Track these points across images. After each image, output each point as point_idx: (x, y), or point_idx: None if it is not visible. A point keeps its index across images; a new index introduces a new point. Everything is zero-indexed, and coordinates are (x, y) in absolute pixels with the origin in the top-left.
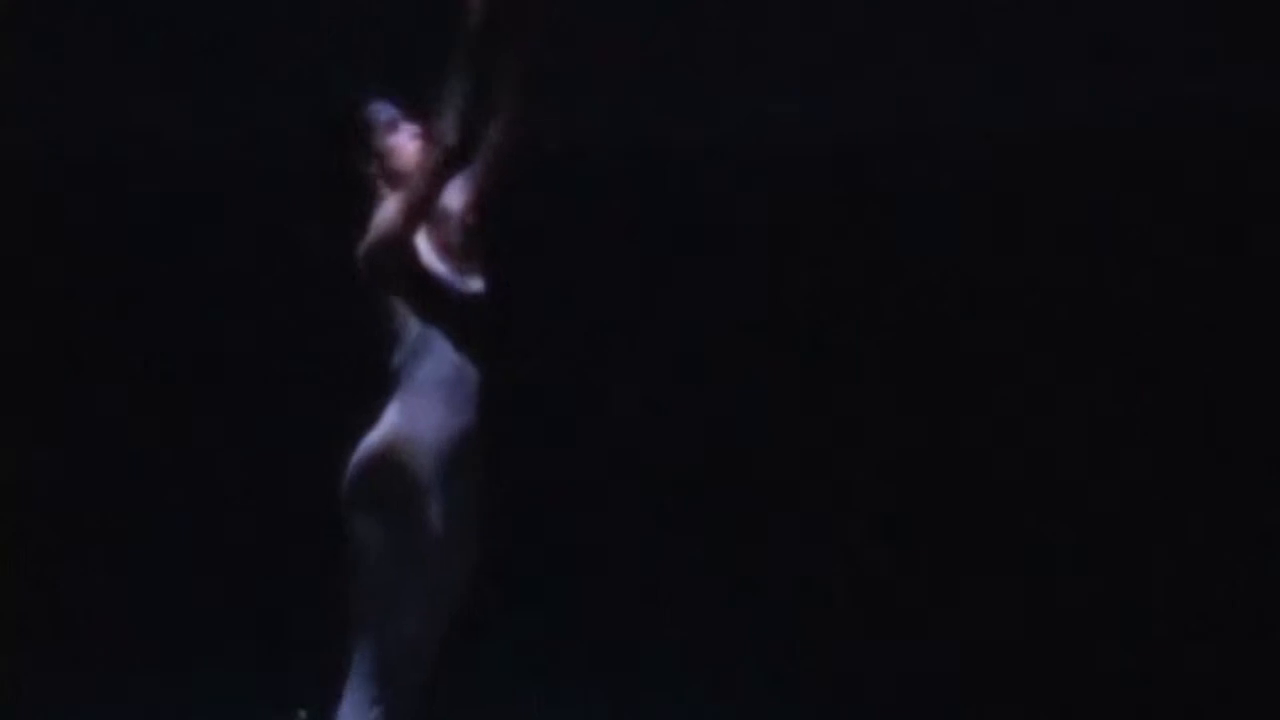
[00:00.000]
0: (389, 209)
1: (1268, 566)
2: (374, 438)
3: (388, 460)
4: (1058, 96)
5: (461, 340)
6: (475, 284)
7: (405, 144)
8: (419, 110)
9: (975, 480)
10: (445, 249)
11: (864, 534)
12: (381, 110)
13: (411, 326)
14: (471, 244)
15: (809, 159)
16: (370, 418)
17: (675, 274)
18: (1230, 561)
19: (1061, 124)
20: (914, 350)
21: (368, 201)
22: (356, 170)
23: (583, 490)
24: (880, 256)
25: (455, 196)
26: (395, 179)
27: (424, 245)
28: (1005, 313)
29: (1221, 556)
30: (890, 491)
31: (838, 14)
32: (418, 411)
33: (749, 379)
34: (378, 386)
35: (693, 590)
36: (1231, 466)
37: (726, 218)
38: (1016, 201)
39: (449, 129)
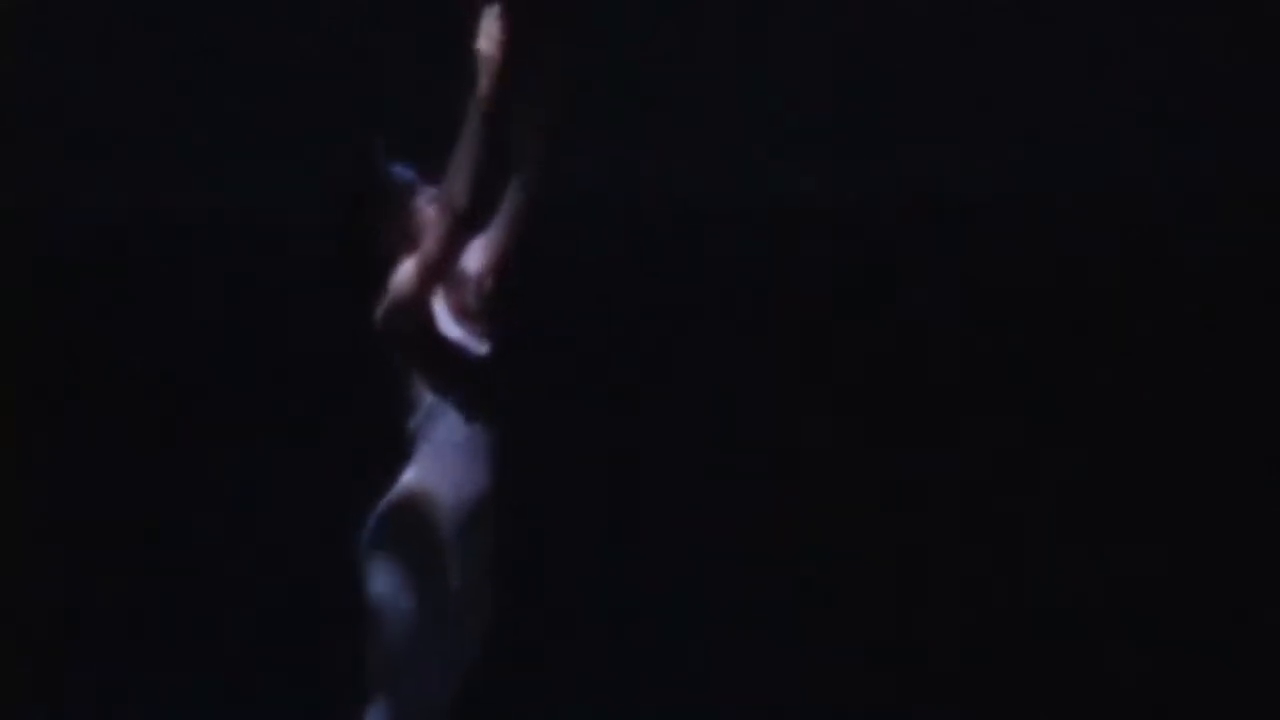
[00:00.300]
0: (403, 273)
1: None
2: (392, 497)
3: (406, 519)
4: (1061, 162)
5: (475, 407)
6: (490, 347)
7: (424, 208)
8: (437, 174)
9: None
10: (463, 312)
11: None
12: (400, 174)
13: (427, 390)
14: (490, 306)
15: (810, 219)
16: (387, 480)
17: (676, 329)
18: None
19: (1067, 189)
20: (913, 404)
21: (386, 266)
22: (375, 235)
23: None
24: (881, 317)
25: (474, 259)
26: (413, 243)
27: (440, 309)
28: (1006, 374)
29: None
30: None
31: (843, 74)
32: (435, 473)
33: (755, 439)
34: (394, 449)
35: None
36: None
37: (727, 276)
38: (1016, 264)
39: (460, 194)
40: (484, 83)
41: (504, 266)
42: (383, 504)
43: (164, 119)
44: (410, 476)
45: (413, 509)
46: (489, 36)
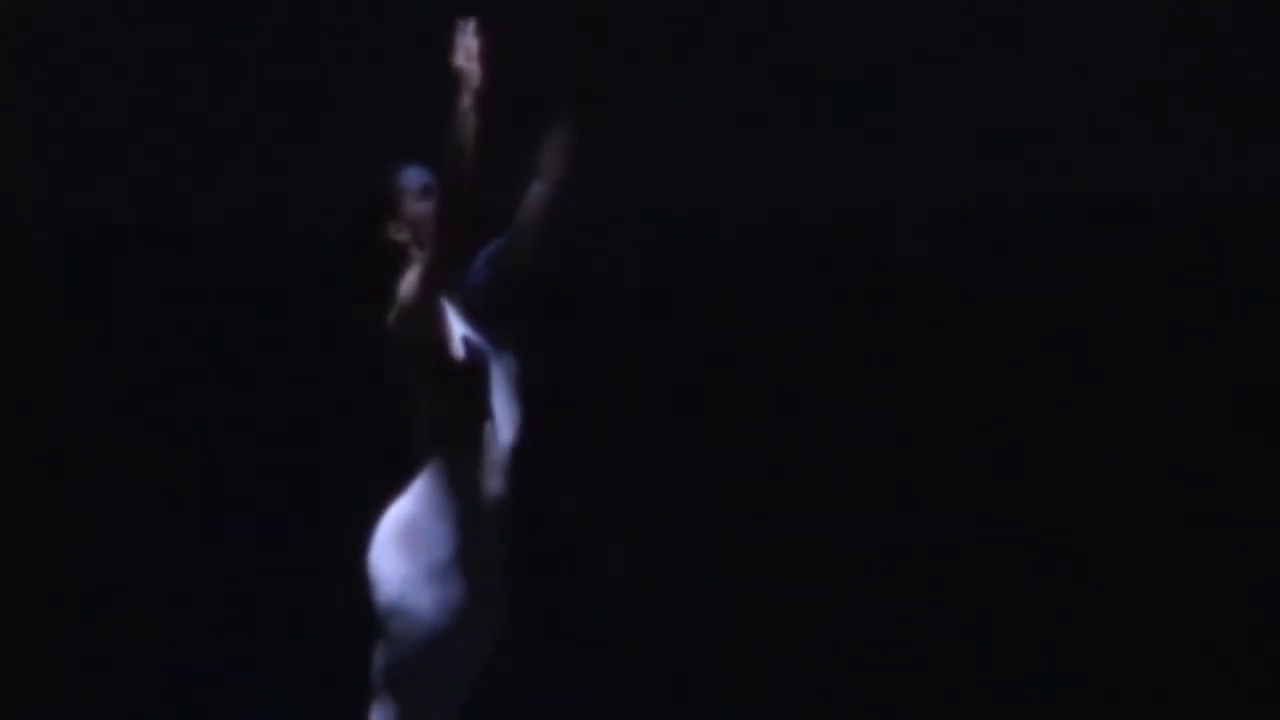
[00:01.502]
0: (409, 280)
1: None
2: (404, 503)
3: (417, 526)
4: (1019, 169)
5: (486, 412)
6: (499, 350)
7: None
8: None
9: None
10: (476, 316)
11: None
12: (414, 176)
13: (439, 396)
14: (507, 310)
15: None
16: (397, 487)
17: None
18: None
19: (1017, 198)
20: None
21: (401, 271)
22: (390, 238)
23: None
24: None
25: (490, 262)
26: (426, 247)
27: (452, 316)
28: (970, 385)
29: None
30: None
31: (808, 84)
32: (447, 479)
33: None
34: (405, 455)
35: None
36: None
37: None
38: (980, 273)
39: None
40: (464, 98)
41: (522, 269)
42: (392, 510)
43: (162, 123)
44: (421, 482)
45: (424, 515)
46: (466, 52)
